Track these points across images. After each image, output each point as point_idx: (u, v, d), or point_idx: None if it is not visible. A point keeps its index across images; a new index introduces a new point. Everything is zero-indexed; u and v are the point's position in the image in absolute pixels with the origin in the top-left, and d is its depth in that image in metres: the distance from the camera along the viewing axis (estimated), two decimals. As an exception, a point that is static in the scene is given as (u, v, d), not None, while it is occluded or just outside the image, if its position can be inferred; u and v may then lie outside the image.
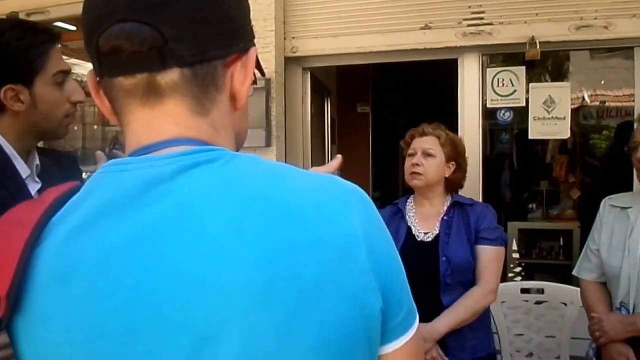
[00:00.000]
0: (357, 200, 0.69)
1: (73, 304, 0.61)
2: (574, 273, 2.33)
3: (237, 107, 0.73)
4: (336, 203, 0.66)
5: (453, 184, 2.32)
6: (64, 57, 1.37)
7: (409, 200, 2.36)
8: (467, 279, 2.14)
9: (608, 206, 2.23)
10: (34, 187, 1.36)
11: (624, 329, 2.01)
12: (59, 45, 1.37)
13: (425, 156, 2.23)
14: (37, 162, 1.41)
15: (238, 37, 0.71)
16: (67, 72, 1.36)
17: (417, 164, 2.23)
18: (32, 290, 0.62)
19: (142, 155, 0.67)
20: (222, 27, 0.68)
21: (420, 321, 0.75)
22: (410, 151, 2.30)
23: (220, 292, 0.59)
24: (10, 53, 1.26)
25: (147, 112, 0.67)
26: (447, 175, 2.27)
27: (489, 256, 2.15)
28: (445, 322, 2.04)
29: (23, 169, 1.34)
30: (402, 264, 0.72)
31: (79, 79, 4.33)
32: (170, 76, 0.66)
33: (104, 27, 0.64)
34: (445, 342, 2.08)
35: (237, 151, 0.73)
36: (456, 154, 2.29)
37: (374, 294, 0.65)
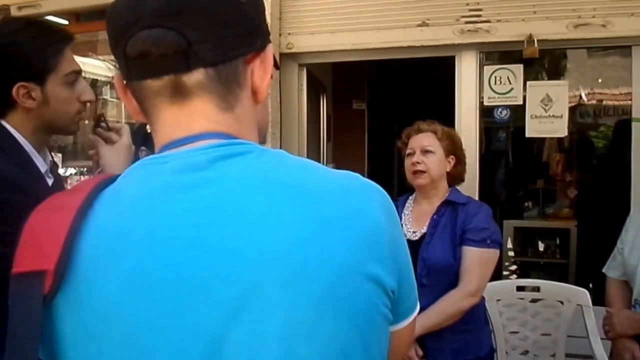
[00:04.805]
0: (379, 193, 0.76)
1: (122, 279, 0.65)
2: (603, 270, 2.40)
3: (258, 100, 0.79)
4: (361, 194, 0.73)
5: (454, 178, 2.30)
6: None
7: (410, 198, 2.35)
8: (449, 281, 2.07)
9: (638, 207, 2.34)
10: (49, 182, 1.40)
11: (630, 325, 2.09)
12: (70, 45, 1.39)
13: (424, 153, 2.21)
14: (50, 157, 1.46)
15: (255, 35, 0.76)
16: (78, 72, 1.39)
17: (418, 162, 2.20)
18: (80, 266, 0.66)
19: (174, 147, 0.72)
20: (241, 28, 0.73)
21: None
22: (409, 150, 2.27)
23: (261, 268, 0.64)
24: (24, 52, 1.29)
25: (176, 109, 0.72)
26: (448, 170, 2.25)
27: (472, 257, 2.07)
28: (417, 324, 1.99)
29: (41, 164, 1.38)
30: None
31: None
32: (196, 76, 0.70)
33: (130, 34, 0.68)
34: (424, 343, 2.04)
35: (260, 142, 0.80)
36: (454, 147, 2.27)
37: (392, 277, 0.72)
